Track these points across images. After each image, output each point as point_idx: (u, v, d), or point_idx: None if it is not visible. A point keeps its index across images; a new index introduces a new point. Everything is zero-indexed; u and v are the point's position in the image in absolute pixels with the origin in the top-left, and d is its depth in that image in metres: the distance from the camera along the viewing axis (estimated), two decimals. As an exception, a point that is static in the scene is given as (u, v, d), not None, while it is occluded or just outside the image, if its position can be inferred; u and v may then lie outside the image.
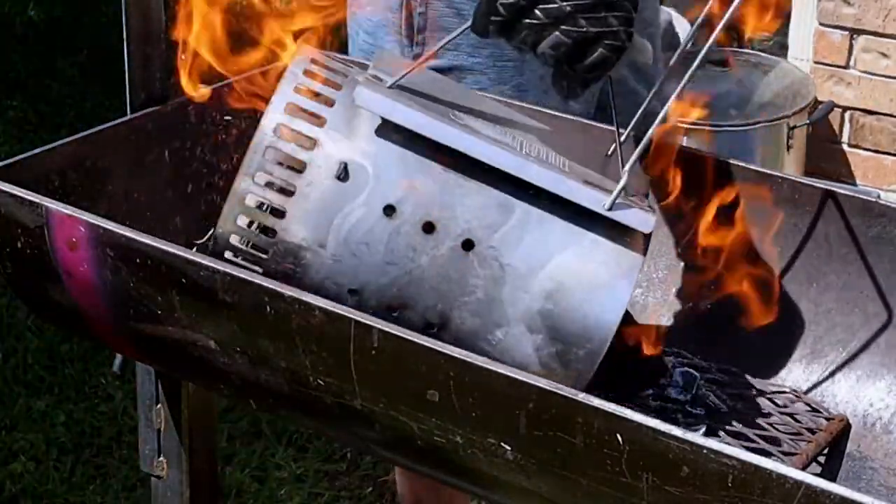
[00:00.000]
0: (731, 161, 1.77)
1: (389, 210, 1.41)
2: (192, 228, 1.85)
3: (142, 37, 1.74)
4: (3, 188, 1.56)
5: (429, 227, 1.41)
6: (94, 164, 1.73)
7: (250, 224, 1.45)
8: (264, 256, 1.43)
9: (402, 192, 1.41)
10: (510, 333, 1.41)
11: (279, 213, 1.42)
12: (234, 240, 1.45)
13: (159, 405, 1.81)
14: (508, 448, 1.31)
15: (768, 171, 1.74)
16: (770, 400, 1.64)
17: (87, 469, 2.87)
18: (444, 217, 1.41)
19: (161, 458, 1.84)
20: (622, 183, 1.40)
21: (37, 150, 1.69)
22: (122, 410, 3.03)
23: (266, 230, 1.43)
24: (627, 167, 1.42)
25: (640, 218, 1.40)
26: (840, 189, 1.72)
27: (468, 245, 1.41)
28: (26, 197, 1.55)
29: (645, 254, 1.42)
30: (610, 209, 1.39)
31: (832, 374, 1.66)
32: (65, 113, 4.26)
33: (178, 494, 1.84)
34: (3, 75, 4.49)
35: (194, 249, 1.79)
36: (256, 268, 1.44)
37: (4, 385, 3.10)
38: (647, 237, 1.43)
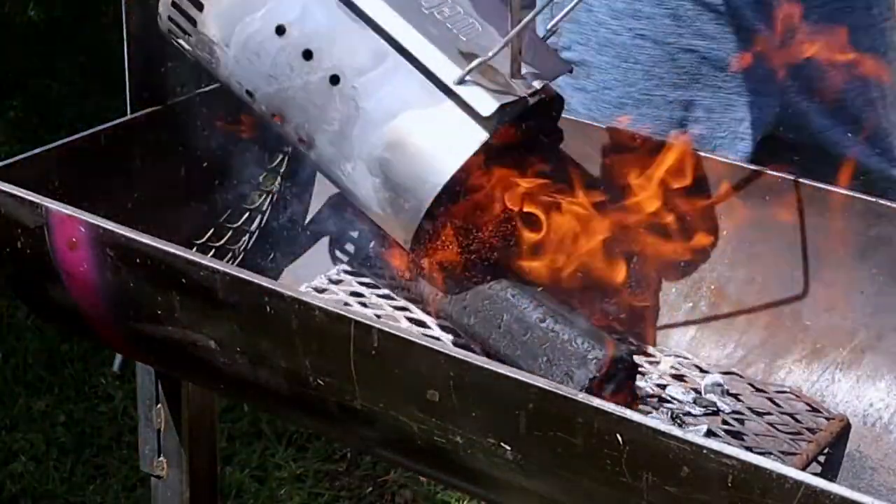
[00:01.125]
0: (732, 161, 1.77)
1: (280, 29, 1.54)
2: (192, 228, 1.85)
3: (142, 37, 1.74)
4: (3, 188, 1.56)
5: (307, 55, 1.53)
6: (94, 164, 1.73)
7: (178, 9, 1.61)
8: (190, 38, 1.60)
9: (295, 16, 1.54)
10: (356, 169, 1.54)
11: (199, 6, 1.58)
12: (168, 20, 1.62)
13: (159, 405, 1.81)
14: (508, 448, 1.31)
15: (768, 171, 1.74)
16: (770, 400, 1.64)
17: (87, 469, 2.87)
18: (322, 49, 1.53)
19: (161, 458, 1.84)
20: (476, 62, 1.47)
21: (37, 150, 1.68)
22: (122, 410, 3.03)
23: (189, 18, 1.60)
24: (497, 47, 1.47)
25: (483, 99, 1.47)
26: (840, 189, 1.72)
27: (335, 80, 1.52)
28: (26, 197, 1.55)
29: (492, 134, 1.49)
30: (458, 83, 1.48)
31: (832, 374, 1.66)
32: (65, 113, 4.26)
33: (178, 494, 1.84)
34: (3, 75, 4.49)
35: (194, 249, 1.80)
36: (188, 48, 1.62)
37: (4, 385, 3.10)
38: (500, 118, 1.49)
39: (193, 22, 1.59)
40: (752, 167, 1.73)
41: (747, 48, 1.82)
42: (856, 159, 1.85)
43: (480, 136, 1.49)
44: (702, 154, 1.76)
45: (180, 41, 1.62)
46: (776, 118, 1.86)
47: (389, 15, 1.51)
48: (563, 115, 1.62)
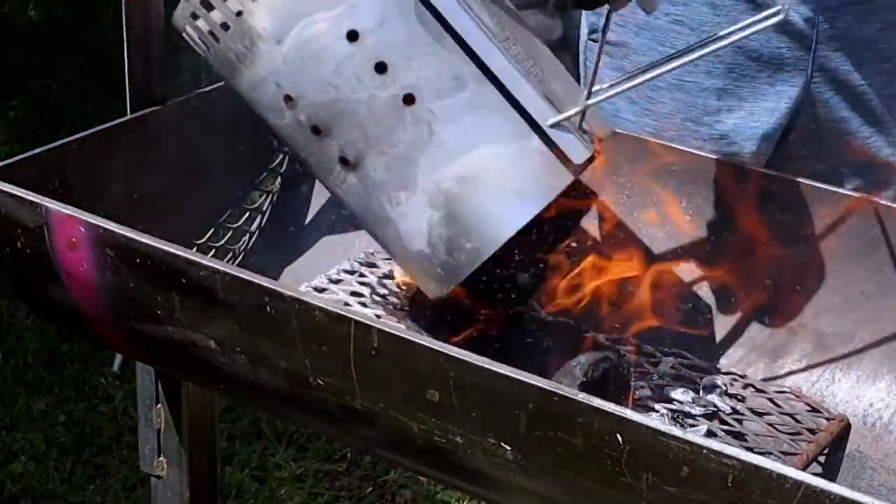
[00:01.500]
0: (733, 163, 1.77)
1: (353, 35, 1.40)
2: (192, 228, 1.85)
3: (142, 37, 1.74)
4: (3, 188, 1.56)
5: (381, 67, 1.40)
6: (94, 164, 1.73)
7: None
8: (224, 31, 1.44)
9: (372, 23, 1.40)
10: (412, 200, 1.41)
11: None
12: (200, 5, 1.46)
13: (159, 405, 1.81)
14: (508, 448, 1.31)
15: (769, 172, 1.74)
16: (770, 400, 1.64)
17: (87, 469, 2.87)
18: (399, 64, 1.40)
19: (161, 458, 1.84)
20: (577, 108, 1.41)
21: (37, 150, 1.69)
22: (122, 410, 3.03)
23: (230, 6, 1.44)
24: (590, 101, 1.42)
25: (576, 146, 1.41)
26: (840, 189, 1.72)
27: (409, 99, 1.40)
28: (26, 197, 1.55)
29: (571, 182, 1.42)
30: (552, 126, 1.40)
31: (832, 374, 1.66)
32: (65, 113, 4.26)
33: (178, 494, 1.84)
34: (3, 75, 4.49)
35: (194, 249, 1.80)
36: (212, 42, 1.46)
37: (4, 385, 3.10)
38: (578, 171, 1.44)
39: (238, 11, 1.44)
40: (752, 167, 1.74)
41: (780, 40, 1.83)
42: (866, 149, 1.88)
43: (566, 180, 1.42)
44: (700, 154, 1.77)
45: (198, 31, 1.47)
46: (802, 105, 1.88)
47: (482, 40, 1.40)
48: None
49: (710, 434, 1.54)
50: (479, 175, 1.40)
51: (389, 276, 1.79)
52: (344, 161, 1.43)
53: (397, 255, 1.48)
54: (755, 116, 1.88)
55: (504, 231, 1.41)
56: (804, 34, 1.83)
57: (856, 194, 1.69)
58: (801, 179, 1.71)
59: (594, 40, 1.95)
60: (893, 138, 1.90)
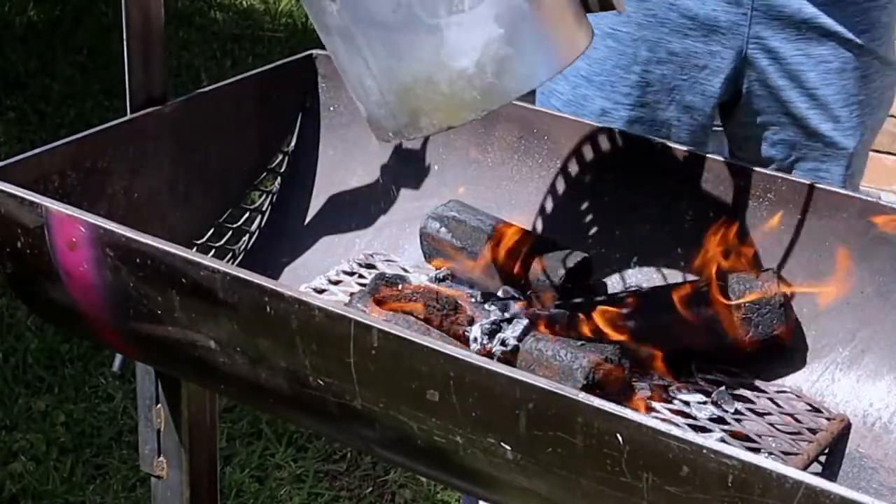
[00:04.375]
0: (732, 162, 1.77)
1: None
2: (192, 228, 1.85)
3: (142, 37, 1.74)
4: (3, 188, 1.56)
5: None
6: (94, 164, 1.73)
7: None
8: None
9: None
10: (476, 10, 1.29)
11: None
12: None
13: (159, 405, 1.81)
14: (508, 448, 1.31)
15: (769, 172, 1.74)
16: (770, 400, 1.64)
17: (87, 469, 2.87)
18: None
19: (161, 458, 1.83)
20: None
21: (37, 150, 1.69)
22: (122, 410, 3.03)
23: None
24: None
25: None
26: (840, 189, 1.72)
27: None
28: (26, 197, 1.55)
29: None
30: None
31: (832, 374, 1.66)
32: (65, 113, 4.26)
33: (178, 494, 1.84)
34: (3, 75, 4.49)
35: (194, 249, 1.80)
36: None
37: (4, 385, 3.09)
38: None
39: None
40: (752, 167, 1.74)
41: (717, 3, 1.91)
42: (808, 121, 1.94)
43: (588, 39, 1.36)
44: (696, 153, 1.77)
45: None
46: (740, 73, 1.95)
47: None
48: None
49: (710, 434, 1.54)
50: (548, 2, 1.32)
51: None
52: None
53: (412, 70, 1.33)
54: (685, 71, 1.94)
55: (556, 63, 1.34)
56: (741, 1, 1.90)
57: (856, 194, 1.69)
58: (801, 179, 1.71)
59: None
60: (833, 113, 1.95)
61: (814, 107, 1.94)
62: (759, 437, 1.56)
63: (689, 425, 1.55)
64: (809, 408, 1.63)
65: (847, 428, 1.61)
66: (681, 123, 1.97)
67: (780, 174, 1.73)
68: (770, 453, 1.52)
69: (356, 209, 1.94)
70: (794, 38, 1.90)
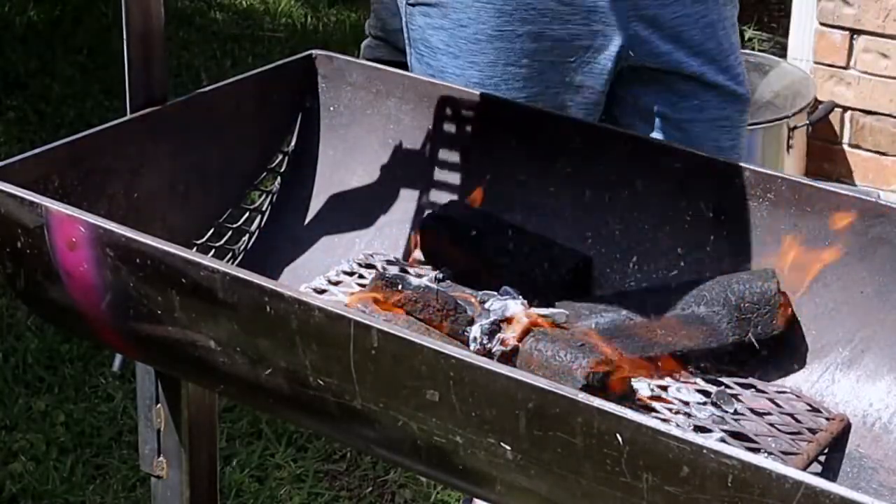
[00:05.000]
0: (732, 162, 1.77)
1: None
2: (192, 228, 1.85)
3: (142, 37, 1.74)
4: (3, 188, 1.56)
5: None
6: (94, 164, 1.73)
7: None
8: None
9: None
10: None
11: None
12: None
13: (159, 405, 1.81)
14: (508, 448, 1.31)
15: (769, 172, 1.74)
16: (770, 400, 1.63)
17: (87, 469, 2.87)
18: None
19: (161, 458, 1.83)
20: None
21: (37, 150, 1.69)
22: (122, 410, 3.03)
23: None
24: None
25: None
26: (840, 189, 1.72)
27: None
28: (26, 197, 1.55)
29: None
30: None
31: (832, 374, 1.66)
32: (65, 113, 4.26)
33: (178, 494, 1.84)
34: (3, 75, 4.49)
35: (194, 249, 1.80)
36: None
37: (4, 385, 3.09)
38: None
39: None
40: (753, 167, 1.74)
41: None
42: (704, 77, 2.02)
43: None
44: (688, 149, 1.77)
45: None
46: (626, 46, 2.00)
47: None
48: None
49: (710, 434, 1.54)
50: None
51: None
52: None
53: None
54: (570, 53, 1.99)
55: None
56: None
57: (855, 195, 1.69)
58: (801, 179, 1.71)
59: (412, 4, 2.05)
60: (723, 64, 2.04)
61: (705, 62, 2.01)
62: (759, 437, 1.56)
63: (690, 425, 1.55)
64: (809, 408, 1.63)
65: (847, 428, 1.61)
66: (574, 103, 2.02)
67: (779, 174, 1.73)
68: (770, 453, 1.52)
69: (356, 209, 1.94)
70: (669, 1, 1.98)
